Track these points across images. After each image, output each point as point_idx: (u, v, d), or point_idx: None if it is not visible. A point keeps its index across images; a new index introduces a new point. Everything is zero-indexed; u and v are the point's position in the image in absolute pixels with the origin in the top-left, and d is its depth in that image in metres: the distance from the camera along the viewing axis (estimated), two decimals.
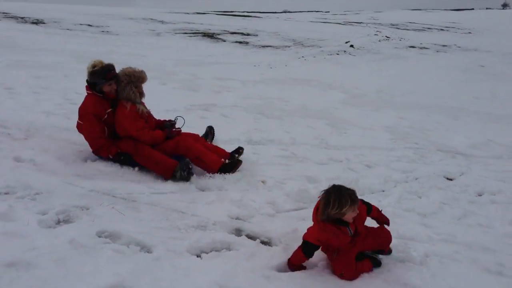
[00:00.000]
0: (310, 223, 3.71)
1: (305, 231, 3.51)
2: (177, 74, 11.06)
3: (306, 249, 2.96)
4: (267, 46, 19.84)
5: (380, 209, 3.24)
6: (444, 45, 23.66)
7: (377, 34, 26.75)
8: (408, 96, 11.27)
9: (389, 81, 13.51)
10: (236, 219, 3.67)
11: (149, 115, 4.68)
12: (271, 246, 3.31)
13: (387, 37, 25.77)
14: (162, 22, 25.88)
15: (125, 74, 4.39)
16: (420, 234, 3.64)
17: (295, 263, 3.02)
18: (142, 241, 3.06)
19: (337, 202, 2.74)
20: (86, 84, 4.40)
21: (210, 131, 5.42)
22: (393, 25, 35.54)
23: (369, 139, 6.95)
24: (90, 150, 4.54)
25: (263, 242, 3.35)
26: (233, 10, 52.08)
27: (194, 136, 4.80)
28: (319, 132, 6.99)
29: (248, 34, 23.31)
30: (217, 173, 4.47)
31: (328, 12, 59.81)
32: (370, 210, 3.13)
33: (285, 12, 64.54)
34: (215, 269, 2.84)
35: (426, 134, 7.65)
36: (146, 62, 12.53)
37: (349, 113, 8.81)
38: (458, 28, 36.04)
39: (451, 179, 5.44)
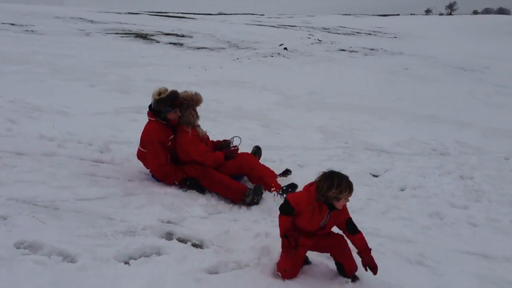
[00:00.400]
0: (241, 223, 3.75)
1: (238, 231, 3.54)
2: (107, 75, 10.70)
3: (284, 206, 2.98)
4: (202, 48, 19.72)
5: (370, 248, 3.09)
6: (371, 49, 24.76)
7: (309, 38, 27.44)
8: (339, 97, 11.68)
9: (321, 83, 13.92)
10: (167, 222, 3.60)
11: (207, 138, 4.67)
12: (203, 249, 3.29)
13: (319, 40, 26.52)
14: (92, 21, 24.89)
15: (183, 99, 4.33)
16: None
17: (281, 225, 3.01)
18: (65, 251, 2.91)
19: (338, 185, 2.82)
20: (148, 110, 4.30)
21: (257, 151, 5.30)
22: (325, 29, 36.67)
23: (301, 139, 7.12)
24: (8, 154, 4.26)
25: (194, 245, 3.32)
26: (167, 11, 51.22)
27: (251, 156, 4.81)
28: (253, 133, 7.06)
29: (182, 36, 23.03)
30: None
31: (263, 15, 60.51)
32: (355, 231, 3.09)
33: (220, 14, 64.51)
34: (144, 275, 2.77)
35: (354, 133, 7.97)
36: (74, 62, 12.02)
37: (283, 114, 8.98)
38: (385, 33, 37.88)
39: (376, 176, 5.71)
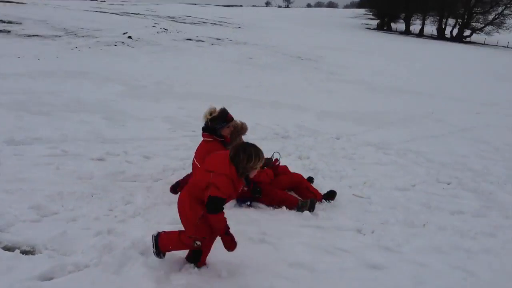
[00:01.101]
0: (81, 223, 3.49)
1: (76, 232, 3.30)
2: None
3: (217, 205, 2.85)
4: (33, 36, 17.82)
5: None
6: (218, 39, 25.28)
7: (155, 26, 26.83)
8: (187, 87, 11.67)
9: (168, 72, 13.74)
10: None
11: None
12: (34, 255, 2.98)
13: (165, 29, 26.11)
14: None
15: (231, 126, 4.59)
16: None
17: (221, 223, 2.90)
18: None
19: (256, 155, 2.86)
20: (202, 132, 4.49)
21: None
22: (170, 17, 36.25)
23: (148, 130, 6.93)
24: None
25: (23, 252, 2.99)
26: None
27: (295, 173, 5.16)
28: (94, 127, 6.64)
29: (9, 22, 20.47)
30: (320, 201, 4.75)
31: (104, 1, 57.17)
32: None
33: None
34: None
35: (202, 122, 8.03)
36: None
37: (128, 105, 8.63)
38: (230, 23, 39.03)
39: None
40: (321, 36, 36.65)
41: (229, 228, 2.99)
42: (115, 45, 18.21)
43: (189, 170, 5.28)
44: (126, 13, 35.59)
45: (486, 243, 4.07)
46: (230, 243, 3.00)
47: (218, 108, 4.54)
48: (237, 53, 20.49)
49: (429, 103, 13.05)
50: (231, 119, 4.62)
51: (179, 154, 5.92)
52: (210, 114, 4.47)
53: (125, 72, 12.51)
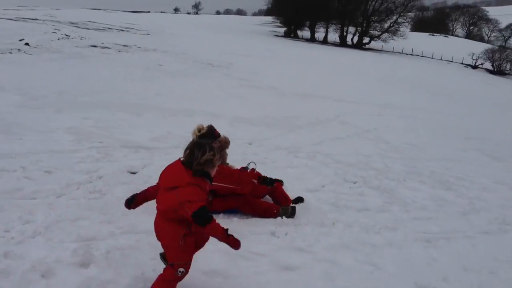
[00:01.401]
0: None
1: None
2: None
3: (206, 213, 2.70)
4: None
5: None
6: (125, 45, 24.41)
7: (55, 32, 25.23)
8: (93, 96, 11.09)
9: (72, 81, 12.95)
10: None
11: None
12: None
13: (67, 35, 24.67)
14: None
15: (217, 141, 4.67)
16: (101, 231, 3.61)
17: (218, 231, 2.77)
18: None
19: (211, 148, 2.76)
20: None
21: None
22: (72, 23, 34.37)
23: (48, 143, 6.46)
24: None
25: None
26: None
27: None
28: None
29: None
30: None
31: None
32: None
33: None
34: None
35: (110, 132, 7.71)
36: None
37: (25, 117, 7.99)
38: (137, 29, 37.96)
39: (134, 173, 5.64)
40: (231, 43, 37.07)
41: (227, 230, 2.86)
42: (10, 52, 16.81)
43: (96, 184, 5.03)
44: (23, 18, 33.09)
45: (389, 237, 4.36)
46: (234, 243, 2.88)
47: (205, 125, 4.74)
48: (146, 60, 19.93)
49: (335, 107, 13.76)
50: (218, 135, 4.81)
51: (85, 167, 5.59)
52: (199, 131, 4.66)
53: (22, 81, 11.57)
